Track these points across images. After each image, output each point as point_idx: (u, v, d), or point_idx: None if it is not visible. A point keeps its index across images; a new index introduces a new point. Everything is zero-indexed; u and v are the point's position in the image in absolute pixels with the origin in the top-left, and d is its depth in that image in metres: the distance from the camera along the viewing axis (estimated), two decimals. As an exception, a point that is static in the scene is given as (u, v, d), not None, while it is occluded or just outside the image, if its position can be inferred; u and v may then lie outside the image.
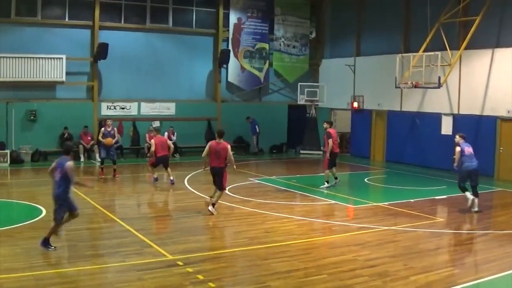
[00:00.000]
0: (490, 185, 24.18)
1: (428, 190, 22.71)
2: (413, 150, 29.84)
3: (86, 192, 19.50)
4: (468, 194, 18.98)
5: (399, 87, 27.54)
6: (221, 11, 34.03)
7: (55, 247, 13.07)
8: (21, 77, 28.34)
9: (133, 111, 31.84)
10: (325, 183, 22.84)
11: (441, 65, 25.40)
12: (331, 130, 23.06)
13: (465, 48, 26.20)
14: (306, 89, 34.97)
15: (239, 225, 16.24)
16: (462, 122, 27.67)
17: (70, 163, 13.42)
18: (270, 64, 36.07)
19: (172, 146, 24.19)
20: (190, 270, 11.67)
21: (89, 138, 29.68)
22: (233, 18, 34.44)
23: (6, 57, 28.00)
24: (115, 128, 25.02)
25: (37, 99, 29.07)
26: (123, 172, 25.34)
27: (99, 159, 25.63)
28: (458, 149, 19.06)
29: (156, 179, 23.16)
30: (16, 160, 27.65)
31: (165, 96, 32.77)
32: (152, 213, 17.97)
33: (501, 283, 11.69)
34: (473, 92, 27.35)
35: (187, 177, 24.19)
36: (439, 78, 25.27)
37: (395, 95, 30.90)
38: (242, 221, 16.56)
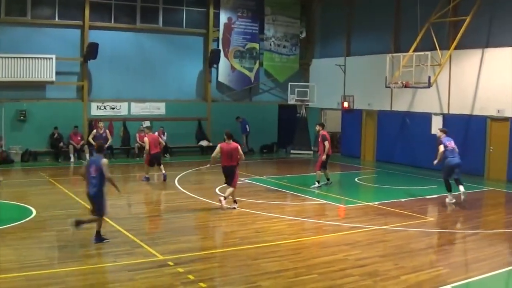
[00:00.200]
0: (480, 184, 24.27)
1: (418, 190, 22.76)
2: (404, 149, 29.90)
3: (76, 192, 19.50)
4: (450, 197, 20.07)
5: (389, 87, 27.60)
6: (211, 11, 34.01)
7: (108, 239, 13.93)
8: (11, 77, 28.23)
9: (123, 111, 31.78)
10: (316, 183, 22.87)
11: (431, 65, 25.45)
12: (325, 132, 23.06)
13: (455, 48, 26.27)
14: (296, 89, 34.98)
15: (230, 225, 16.24)
16: (452, 122, 27.72)
17: (105, 160, 14.01)
18: (261, 64, 36.08)
19: (163, 143, 24.30)
20: (181, 270, 11.66)
21: (79, 138, 29.57)
22: (223, 18, 34.44)
23: (-4, 57, 27.95)
24: (107, 130, 24.97)
25: (27, 99, 28.99)
26: (113, 172, 25.20)
27: (89, 159, 25.47)
28: (441, 148, 19.85)
29: (147, 179, 23.19)
30: (6, 160, 27.56)
31: (155, 96, 32.72)
32: (142, 213, 17.95)
33: (491, 283, 11.73)
34: (463, 92, 27.43)
35: (178, 177, 24.15)
36: (429, 78, 25.33)
37: (385, 95, 30.96)
38: (232, 221, 16.55)
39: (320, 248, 13.89)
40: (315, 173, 23.22)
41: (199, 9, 34.02)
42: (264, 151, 35.48)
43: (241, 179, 24.10)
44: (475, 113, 26.89)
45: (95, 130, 23.88)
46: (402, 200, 20.63)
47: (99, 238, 13.90)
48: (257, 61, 35.83)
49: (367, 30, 33.28)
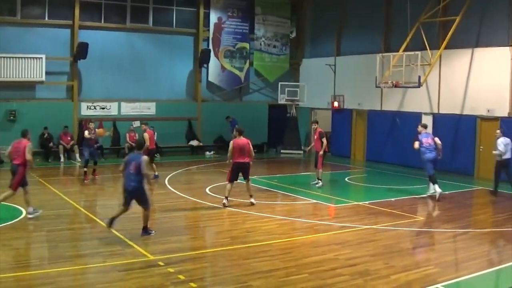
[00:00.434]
0: (470, 183, 24.39)
1: (408, 189, 22.83)
2: (394, 149, 29.94)
3: (66, 192, 19.49)
4: (437, 187, 20.71)
5: (379, 87, 27.64)
6: (202, 11, 34.00)
7: (154, 231, 14.74)
8: (1, 77, 28.13)
9: (113, 111, 31.72)
10: (319, 181, 22.97)
11: (421, 65, 25.53)
12: (321, 129, 23.27)
13: (445, 48, 26.36)
14: (286, 89, 34.99)
15: (220, 225, 16.25)
16: (442, 122, 27.84)
17: (145, 157, 14.66)
18: (251, 64, 36.09)
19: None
20: (171, 270, 11.65)
21: (69, 138, 29.52)
22: (213, 17, 34.42)
23: (-14, 57, 27.84)
24: (97, 130, 24.83)
25: (16, 99, 28.91)
26: (103, 172, 25.22)
27: (79, 160, 25.47)
28: (416, 144, 21.01)
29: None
30: (-5, 160, 27.51)
31: (146, 96, 32.68)
32: (133, 213, 17.89)
33: (481, 282, 11.76)
34: (453, 91, 27.51)
35: (168, 177, 24.13)
36: (419, 77, 25.40)
37: (376, 95, 31.02)
38: (223, 221, 16.56)
39: (310, 248, 13.89)
40: (310, 172, 23.31)
41: (189, 9, 34.02)
42: (254, 151, 35.14)
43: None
44: (465, 112, 26.98)
45: (87, 131, 23.68)
46: (392, 199, 20.69)
47: (146, 231, 14.68)
48: (247, 61, 35.83)
49: (357, 30, 33.34)
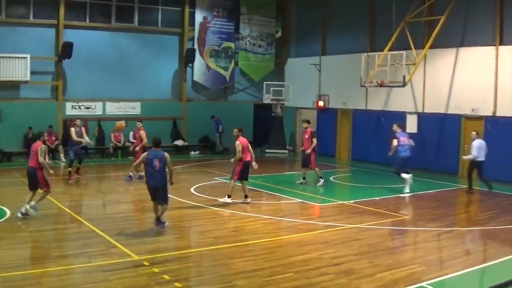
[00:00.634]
0: (454, 182, 24.48)
1: (393, 188, 22.85)
2: (378, 148, 29.96)
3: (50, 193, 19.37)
4: (407, 176, 22.14)
5: (364, 86, 27.68)
6: (187, 10, 33.93)
7: (166, 222, 15.36)
8: (-15, 77, 28.00)
9: (98, 111, 31.58)
10: (320, 180, 23.12)
11: (406, 64, 25.57)
12: (312, 129, 23.52)
13: (430, 47, 26.43)
14: (271, 88, 34.95)
15: (205, 224, 16.20)
16: (426, 121, 27.93)
17: (167, 154, 15.11)
18: (236, 63, 36.07)
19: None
20: (156, 270, 11.61)
21: (54, 138, 29.35)
22: (198, 17, 34.37)
23: (-30, 56, 27.67)
24: (83, 128, 24.70)
25: (1, 99, 28.69)
26: (88, 172, 25.13)
27: (64, 160, 25.32)
28: (395, 142, 22.06)
29: (131, 178, 23.25)
30: (-20, 161, 27.37)
31: (131, 95, 32.56)
32: (117, 213, 17.84)
33: (466, 280, 11.80)
34: (438, 90, 27.61)
35: (135, 177, 24.00)
36: (404, 77, 25.45)
37: (360, 94, 31.07)
38: (208, 221, 16.52)
39: (295, 247, 13.88)
40: (296, 172, 23.36)
41: (175, 8, 33.93)
42: (240, 150, 35.41)
43: (216, 178, 24.16)
44: (450, 112, 27.08)
45: (73, 128, 23.46)
46: (377, 198, 20.75)
47: (160, 221, 15.21)
48: (233, 60, 35.81)
49: (342, 29, 33.41)
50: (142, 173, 23.22)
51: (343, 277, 11.46)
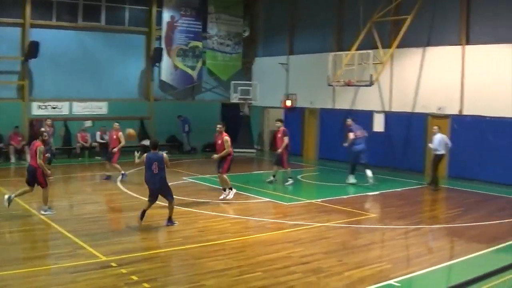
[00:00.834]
0: (420, 180, 24.62)
1: (360, 187, 22.97)
2: (345, 147, 30.09)
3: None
4: (351, 178, 23.57)
5: (332, 85, 27.78)
6: (154, 9, 33.76)
7: (177, 222, 15.85)
8: None
9: (65, 111, 31.26)
10: (289, 179, 23.44)
11: (373, 64, 25.67)
12: (285, 128, 23.71)
13: (397, 47, 26.58)
14: (239, 88, 34.93)
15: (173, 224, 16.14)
16: (393, 119, 28.11)
17: (165, 154, 15.77)
18: (203, 63, 36.00)
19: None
20: (124, 271, 11.52)
21: (20, 138, 29.01)
22: (166, 16, 34.23)
23: None
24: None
25: (-35, 99, 28.40)
26: (55, 173, 24.86)
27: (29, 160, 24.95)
28: (351, 135, 23.20)
29: (109, 177, 23.51)
30: None
31: (97, 95, 32.30)
32: (84, 214, 17.68)
33: (433, 277, 11.87)
34: (405, 89, 27.79)
35: (119, 177, 23.89)
36: (371, 76, 25.56)
37: (328, 93, 31.17)
38: (176, 221, 16.44)
39: (263, 246, 13.87)
40: (263, 171, 23.42)
41: (142, 8, 33.74)
42: (207, 149, 35.26)
43: (184, 178, 24.09)
44: (416, 110, 27.28)
45: (43, 129, 23.16)
46: (344, 197, 20.89)
47: (171, 221, 15.80)
48: (200, 60, 35.73)
49: (309, 29, 33.49)
50: (109, 173, 23.40)
51: (312, 276, 11.46)
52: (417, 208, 19.66)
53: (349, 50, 27.19)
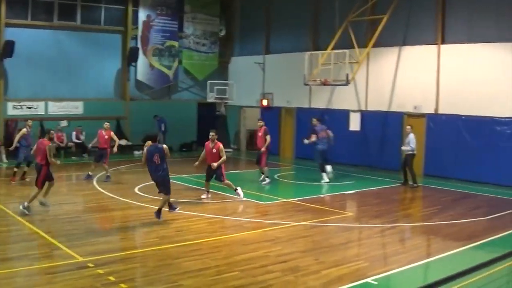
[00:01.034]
0: (397, 179, 24.68)
1: (337, 186, 23.05)
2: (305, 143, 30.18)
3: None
4: (325, 176, 23.81)
5: (308, 85, 27.89)
6: (130, 8, 33.65)
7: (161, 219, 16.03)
8: None
9: (40, 111, 31.03)
10: (266, 178, 23.47)
11: (349, 63, 25.77)
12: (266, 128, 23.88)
13: (373, 46, 26.72)
14: (215, 87, 34.96)
15: (150, 224, 16.05)
16: (369, 118, 28.23)
17: (165, 146, 16.24)
18: (180, 62, 35.94)
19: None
20: (101, 271, 11.44)
21: (-5, 138, 28.83)
22: (142, 15, 34.12)
23: None
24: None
25: None
26: (30, 173, 24.61)
27: (6, 161, 24.82)
28: (313, 137, 23.83)
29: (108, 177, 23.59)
30: None
31: (73, 95, 32.12)
32: (60, 214, 17.56)
33: (410, 275, 11.91)
34: (380, 89, 27.92)
35: (96, 177, 23.76)
36: (347, 75, 25.64)
37: (304, 93, 31.24)
38: (152, 221, 16.35)
39: (241, 246, 13.85)
40: (240, 170, 23.49)
41: (118, 7, 33.58)
42: (184, 149, 35.31)
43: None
44: (392, 109, 27.41)
45: (25, 129, 22.95)
46: (321, 196, 20.95)
47: (159, 214, 16.13)
48: (176, 59, 35.65)
49: (286, 28, 33.53)
50: (91, 173, 23.38)
51: (289, 275, 11.46)
52: (393, 207, 19.75)
53: (325, 49, 27.26)
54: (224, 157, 19.46)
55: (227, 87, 35.36)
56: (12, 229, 15.59)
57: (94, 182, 22.80)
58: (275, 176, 25.46)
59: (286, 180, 25.62)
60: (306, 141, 24.20)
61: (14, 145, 22.80)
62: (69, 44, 32.06)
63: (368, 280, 11.20)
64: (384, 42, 27.04)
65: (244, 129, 36.83)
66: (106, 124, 24.13)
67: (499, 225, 16.61)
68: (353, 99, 29.10)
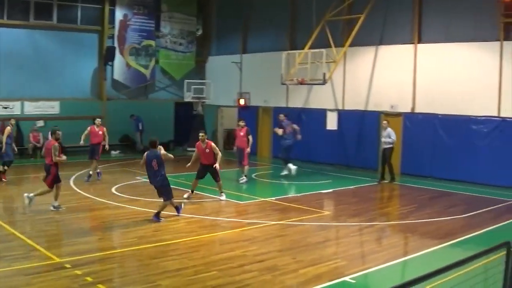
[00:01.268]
0: (374, 178, 24.79)
1: (314, 185, 23.11)
2: (299, 145, 30.11)
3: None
4: (290, 166, 24.94)
5: (285, 84, 27.93)
6: (107, 8, 33.49)
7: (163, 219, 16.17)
8: None
9: (16, 111, 30.78)
10: (244, 177, 23.68)
11: (326, 62, 25.80)
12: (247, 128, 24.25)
13: (350, 46, 26.75)
14: (192, 87, 34.93)
15: (127, 224, 15.99)
16: (346, 118, 28.31)
17: (163, 151, 16.39)
18: (156, 61, 35.86)
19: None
20: (78, 272, 11.37)
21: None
22: (118, 14, 33.99)
23: None
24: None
25: None
26: (7, 173, 24.42)
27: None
28: (280, 132, 25.14)
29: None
30: None
31: (49, 94, 31.90)
32: (38, 215, 17.47)
33: (387, 273, 11.96)
34: (357, 88, 28.03)
35: (73, 177, 23.65)
36: (324, 74, 25.68)
37: (281, 92, 31.27)
38: (130, 221, 16.32)
39: (218, 245, 13.88)
40: (241, 168, 23.66)
41: (94, 6, 33.42)
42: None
43: (137, 178, 23.90)
44: (369, 108, 27.52)
45: (9, 127, 22.77)
46: (299, 195, 20.97)
47: (157, 217, 16.14)
48: (153, 59, 35.57)
49: (263, 27, 33.54)
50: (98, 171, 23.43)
51: (267, 274, 11.47)
52: (370, 205, 19.82)
53: (302, 48, 27.32)
54: (219, 154, 19.52)
55: (204, 86, 35.34)
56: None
57: (71, 182, 22.65)
58: (253, 176, 25.46)
59: (263, 180, 25.63)
60: (278, 131, 25.16)
61: (4, 145, 22.62)
62: (46, 43, 31.88)
63: (346, 278, 11.24)
64: (361, 41, 27.12)
65: (221, 129, 36.84)
66: (98, 121, 24.26)
67: (476, 223, 16.73)
68: (330, 98, 29.18)
